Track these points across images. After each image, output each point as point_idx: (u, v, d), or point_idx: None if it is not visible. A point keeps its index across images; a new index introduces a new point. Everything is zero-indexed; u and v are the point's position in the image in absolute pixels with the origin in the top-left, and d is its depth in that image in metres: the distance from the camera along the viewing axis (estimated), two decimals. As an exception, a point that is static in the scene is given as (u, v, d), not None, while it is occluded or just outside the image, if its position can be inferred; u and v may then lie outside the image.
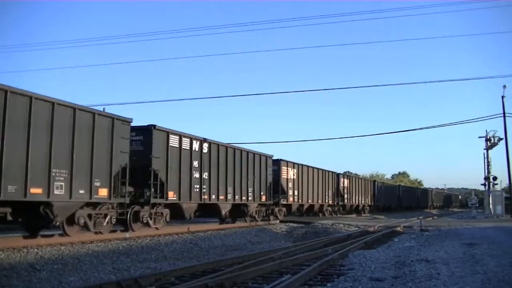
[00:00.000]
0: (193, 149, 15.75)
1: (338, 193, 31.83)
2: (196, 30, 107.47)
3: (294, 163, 24.72)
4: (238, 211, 19.31)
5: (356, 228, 20.10)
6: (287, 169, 23.67)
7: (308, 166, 26.64)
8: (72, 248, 10.27)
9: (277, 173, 22.55)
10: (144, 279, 7.08)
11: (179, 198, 14.92)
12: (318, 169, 28.34)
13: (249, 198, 19.50)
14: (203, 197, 16.17)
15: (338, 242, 13.59)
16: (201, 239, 13.90)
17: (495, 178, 33.60)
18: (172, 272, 7.82)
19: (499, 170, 65.03)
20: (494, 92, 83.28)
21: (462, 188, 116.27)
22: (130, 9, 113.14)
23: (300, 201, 25.17)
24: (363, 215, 35.73)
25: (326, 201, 29.54)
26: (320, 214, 28.81)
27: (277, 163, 22.84)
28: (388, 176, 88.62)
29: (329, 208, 30.74)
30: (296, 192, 24.58)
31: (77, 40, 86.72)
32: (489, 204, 32.71)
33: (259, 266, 8.34)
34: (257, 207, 20.55)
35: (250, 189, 19.54)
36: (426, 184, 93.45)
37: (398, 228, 19.61)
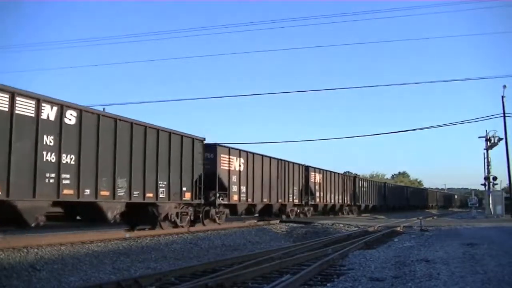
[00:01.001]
0: (43, 117, 10.04)
1: (307, 191, 26.79)
2: (196, 30, 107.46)
3: (240, 151, 19.33)
4: (144, 213, 13.71)
5: (356, 228, 20.10)
6: (229, 158, 18.28)
7: (262, 156, 21.27)
8: (72, 248, 10.27)
9: (213, 163, 17.27)
10: (144, 279, 7.08)
11: (7, 194, 9.15)
12: (278, 160, 22.88)
13: (160, 195, 13.74)
14: (63, 192, 10.39)
15: (338, 242, 13.59)
16: (201, 239, 13.91)
17: (495, 178, 33.60)
18: (172, 272, 7.82)
19: (499, 170, 65.04)
20: (494, 92, 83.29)
21: (462, 188, 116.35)
22: (130, 9, 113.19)
23: (250, 200, 19.74)
24: (363, 215, 35.66)
25: (291, 199, 24.35)
26: (284, 216, 23.63)
27: (213, 149, 17.43)
28: (388, 176, 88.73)
29: (296, 209, 25.68)
30: (243, 189, 19.10)
31: (77, 40, 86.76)
32: (489, 204, 32.70)
33: (259, 266, 8.34)
34: (176, 207, 15.09)
35: (163, 183, 13.88)
36: (426, 184, 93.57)
37: (398, 228, 19.59)
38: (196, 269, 8.30)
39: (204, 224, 16.79)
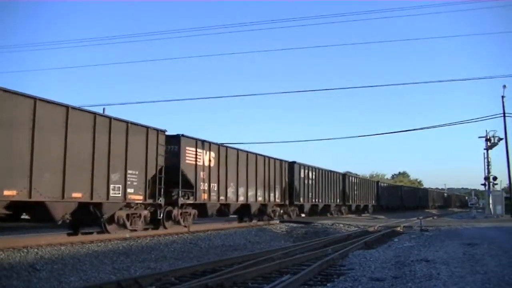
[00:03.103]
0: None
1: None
2: (196, 30, 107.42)
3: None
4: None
5: (356, 228, 20.11)
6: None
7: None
8: (72, 248, 10.27)
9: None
10: (144, 279, 7.08)
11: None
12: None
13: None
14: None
15: (338, 242, 13.59)
16: (201, 239, 13.91)
17: (495, 178, 33.63)
18: (172, 272, 7.82)
19: (499, 170, 65.16)
20: (494, 92, 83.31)
21: (462, 188, 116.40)
22: (130, 9, 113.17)
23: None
24: (362, 215, 35.60)
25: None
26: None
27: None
28: (388, 176, 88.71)
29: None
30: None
31: (77, 40, 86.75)
32: (489, 204, 32.71)
33: (259, 266, 8.35)
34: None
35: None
36: (426, 184, 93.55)
37: (398, 228, 19.61)
38: (196, 269, 8.29)
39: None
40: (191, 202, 15.81)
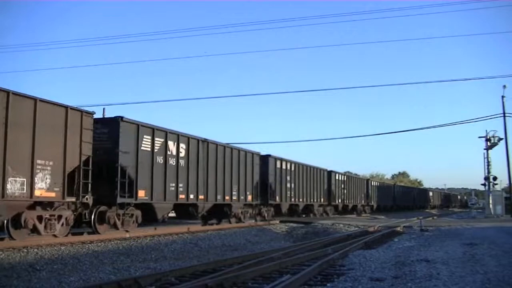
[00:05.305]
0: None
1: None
2: (196, 30, 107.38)
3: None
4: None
5: (356, 228, 20.11)
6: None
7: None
8: (72, 248, 10.27)
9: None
10: (144, 279, 7.08)
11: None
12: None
13: None
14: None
15: (338, 242, 13.59)
16: (201, 239, 13.90)
17: (495, 178, 33.61)
18: (172, 272, 7.82)
19: (499, 170, 65.18)
20: (494, 92, 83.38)
21: (462, 188, 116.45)
22: (130, 9, 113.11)
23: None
24: (363, 215, 35.48)
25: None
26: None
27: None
28: (388, 176, 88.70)
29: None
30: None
31: (77, 40, 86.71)
32: (489, 204, 32.70)
33: (259, 266, 8.34)
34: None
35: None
36: (426, 184, 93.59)
37: (398, 228, 19.61)
38: (196, 269, 8.29)
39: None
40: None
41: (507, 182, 31.77)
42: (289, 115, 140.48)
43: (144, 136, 13.49)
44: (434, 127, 49.15)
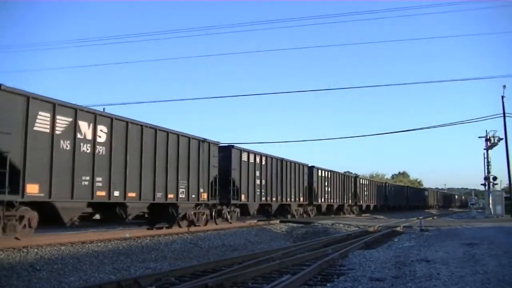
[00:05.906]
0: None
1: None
2: (196, 30, 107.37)
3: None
4: None
5: (356, 228, 20.11)
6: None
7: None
8: (72, 248, 10.28)
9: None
10: (144, 279, 7.08)
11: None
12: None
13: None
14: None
15: (338, 242, 13.59)
16: (201, 239, 13.90)
17: (495, 178, 33.62)
18: (172, 272, 7.82)
19: (499, 170, 65.26)
20: (494, 92, 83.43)
21: (462, 188, 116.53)
22: (130, 9, 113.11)
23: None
24: (362, 215, 35.43)
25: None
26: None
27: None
28: (388, 176, 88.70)
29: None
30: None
31: (77, 40, 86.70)
32: (489, 204, 32.70)
33: (259, 266, 8.34)
34: None
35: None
36: (426, 184, 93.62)
37: (398, 228, 19.61)
38: (196, 269, 8.29)
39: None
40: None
41: (507, 182, 31.77)
42: (289, 115, 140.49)
43: (40, 113, 10.13)
44: (434, 127, 49.27)
